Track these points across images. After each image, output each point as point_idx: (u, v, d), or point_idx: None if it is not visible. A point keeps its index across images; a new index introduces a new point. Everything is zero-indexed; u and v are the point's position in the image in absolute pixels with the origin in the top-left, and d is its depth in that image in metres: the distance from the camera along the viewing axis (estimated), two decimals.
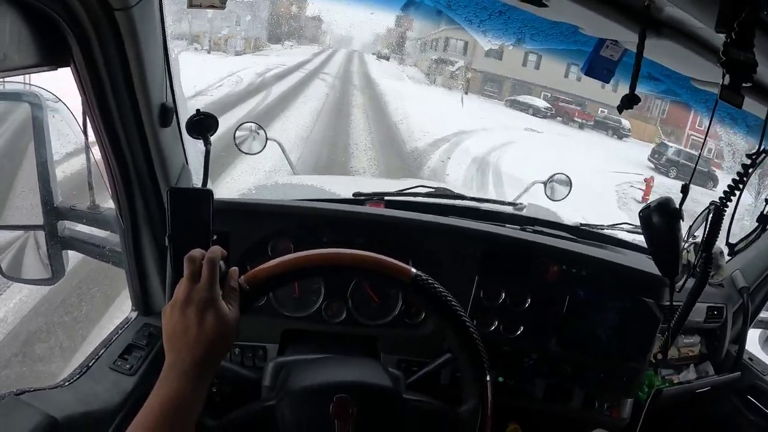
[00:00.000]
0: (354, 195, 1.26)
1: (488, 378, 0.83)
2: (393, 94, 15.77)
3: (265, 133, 1.47)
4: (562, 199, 1.59)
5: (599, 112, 19.78)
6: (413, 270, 0.79)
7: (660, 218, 0.90)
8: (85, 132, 1.22)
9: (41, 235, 1.18)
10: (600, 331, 1.19)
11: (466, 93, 20.52)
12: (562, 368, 1.19)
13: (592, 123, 19.78)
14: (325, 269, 0.81)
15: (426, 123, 11.88)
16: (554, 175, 1.60)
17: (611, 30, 0.90)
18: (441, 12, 1.42)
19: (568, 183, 1.58)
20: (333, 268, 0.80)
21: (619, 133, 19.39)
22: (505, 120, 15.77)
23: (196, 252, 0.70)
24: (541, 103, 20.15)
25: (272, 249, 1.11)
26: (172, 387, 0.63)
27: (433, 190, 1.41)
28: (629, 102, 0.85)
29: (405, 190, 1.34)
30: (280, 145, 1.49)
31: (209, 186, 1.03)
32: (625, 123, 19.46)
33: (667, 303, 1.22)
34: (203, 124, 0.99)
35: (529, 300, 1.16)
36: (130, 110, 0.89)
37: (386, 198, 1.24)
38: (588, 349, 1.19)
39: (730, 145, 1.53)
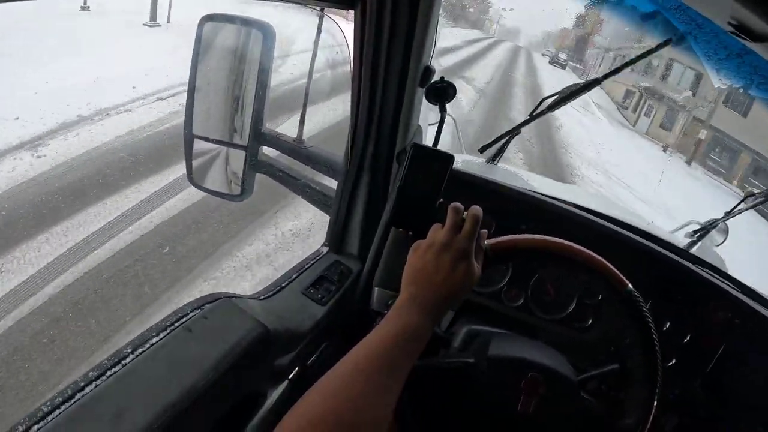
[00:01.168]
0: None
1: (656, 402, 0.87)
2: (591, 161, 9.42)
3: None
4: (717, 246, 1.59)
5: None
6: (630, 285, 0.85)
7: None
8: (311, 71, 1.29)
9: (240, 154, 1.26)
10: (743, 386, 1.19)
11: (689, 163, 12.68)
12: (697, 411, 1.20)
13: None
14: (562, 258, 0.86)
15: None
16: (717, 221, 1.59)
17: None
18: (650, 18, 1.36)
19: (726, 232, 1.57)
20: (567, 260, 0.85)
21: None
22: None
23: (459, 204, 0.76)
24: None
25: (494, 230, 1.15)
26: (413, 318, 0.67)
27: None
28: None
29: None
30: (455, 121, 1.52)
31: None
32: None
33: None
34: (444, 92, 1.03)
35: (689, 336, 1.18)
36: (400, 62, 0.95)
37: (577, 203, 1.27)
38: (726, 401, 1.20)
39: None
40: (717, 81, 1.13)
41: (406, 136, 1.05)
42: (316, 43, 1.21)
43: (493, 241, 0.84)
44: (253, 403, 0.93)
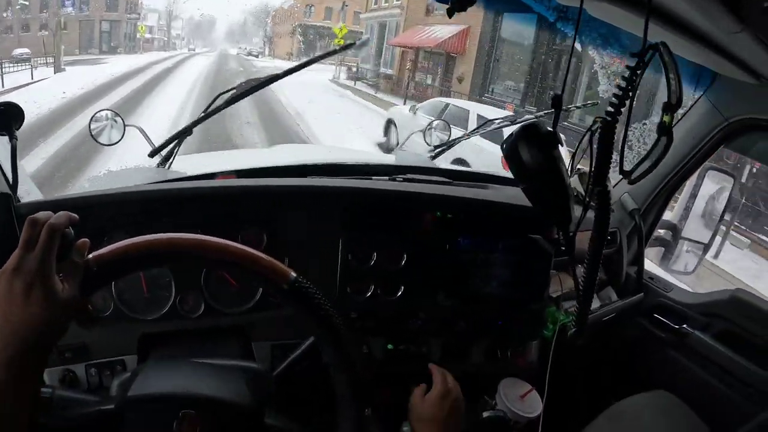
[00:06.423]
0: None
1: (368, 411, 0.71)
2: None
3: (123, 120, 1.34)
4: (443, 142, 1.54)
5: None
6: (293, 273, 0.66)
7: (530, 150, 0.74)
8: None
9: None
10: (489, 277, 1.14)
11: None
12: (454, 324, 1.14)
13: None
14: (189, 257, 0.66)
15: None
16: (432, 122, 1.55)
17: None
18: None
19: (447, 128, 1.53)
20: (198, 256, 0.66)
21: None
22: None
23: (42, 214, 0.57)
24: None
25: (109, 242, 1.00)
26: None
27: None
28: (460, 4, 0.76)
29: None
30: (140, 129, 1.36)
31: (28, 186, 0.93)
32: None
33: (557, 237, 1.18)
34: (4, 117, 0.88)
35: (405, 256, 1.09)
36: None
37: (239, 169, 1.14)
38: (480, 299, 1.15)
39: None
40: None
41: None
42: None
43: (96, 254, 0.64)
44: None
